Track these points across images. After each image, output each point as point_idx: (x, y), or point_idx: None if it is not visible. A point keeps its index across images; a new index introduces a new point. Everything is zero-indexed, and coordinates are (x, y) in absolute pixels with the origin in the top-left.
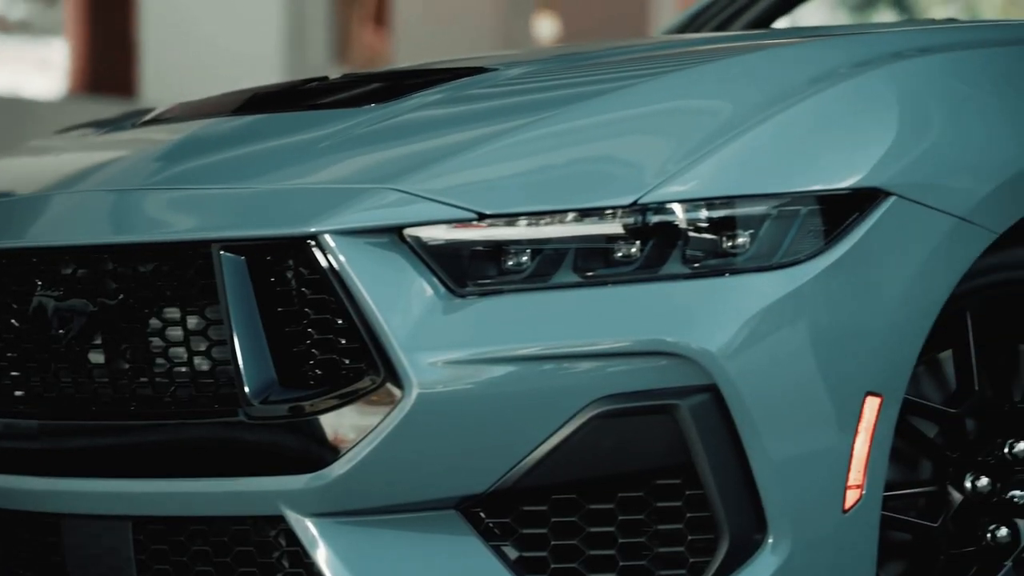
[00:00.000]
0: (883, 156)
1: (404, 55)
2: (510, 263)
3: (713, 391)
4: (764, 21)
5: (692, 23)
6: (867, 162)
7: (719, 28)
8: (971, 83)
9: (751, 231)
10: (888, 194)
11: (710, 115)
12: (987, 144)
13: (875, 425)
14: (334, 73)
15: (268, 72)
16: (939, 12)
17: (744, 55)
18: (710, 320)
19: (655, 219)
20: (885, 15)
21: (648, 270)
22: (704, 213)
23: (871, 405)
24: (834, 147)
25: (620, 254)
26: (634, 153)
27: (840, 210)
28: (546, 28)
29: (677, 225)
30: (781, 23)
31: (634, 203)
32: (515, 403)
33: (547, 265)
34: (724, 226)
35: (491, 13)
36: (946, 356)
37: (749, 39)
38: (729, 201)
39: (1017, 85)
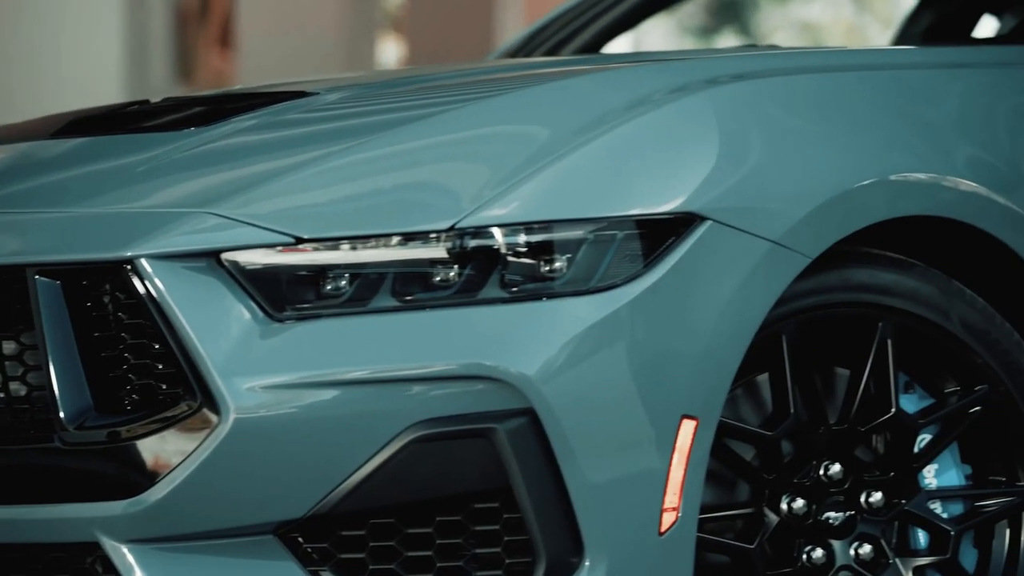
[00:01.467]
0: (698, 181)
1: (249, 76)
2: (328, 287)
3: (530, 415)
4: (595, 46)
5: (524, 47)
6: (683, 187)
7: (550, 52)
8: (787, 109)
9: (568, 255)
10: (704, 218)
11: (528, 140)
12: (802, 169)
13: (691, 448)
14: (176, 94)
15: (108, 94)
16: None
17: (561, 80)
18: (528, 344)
19: (473, 243)
20: (729, 40)
21: (466, 294)
22: (522, 237)
23: (687, 428)
24: (650, 172)
25: (438, 278)
26: (452, 178)
27: (656, 234)
28: (392, 50)
29: (495, 249)
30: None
31: (452, 227)
32: (333, 428)
33: (365, 289)
34: (541, 250)
35: (336, 35)
36: (764, 379)
37: (572, 64)
38: (546, 225)
39: (833, 111)
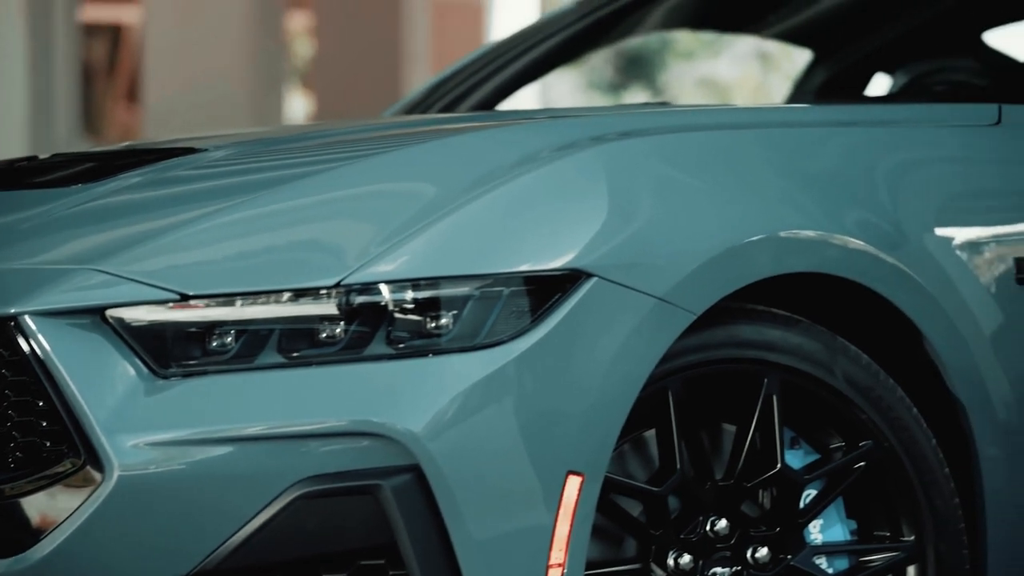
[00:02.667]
0: (585, 238)
1: (156, 131)
2: (214, 344)
3: (416, 471)
4: (492, 101)
5: (422, 103)
6: (569, 244)
7: (448, 108)
8: (675, 166)
9: (455, 312)
10: (590, 275)
11: (415, 197)
12: (689, 226)
13: (576, 503)
14: (72, 150)
15: (13, 149)
16: (691, 96)
17: (449, 138)
18: (414, 401)
19: (359, 300)
20: (636, 96)
21: (352, 351)
22: (408, 294)
23: (572, 484)
24: (537, 229)
25: (325, 335)
26: (338, 235)
27: (542, 291)
28: (300, 105)
29: (381, 305)
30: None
31: (338, 284)
32: (218, 484)
33: (251, 346)
34: (428, 307)
35: (244, 90)
36: (651, 434)
37: (462, 121)
38: (433, 282)
39: (721, 168)
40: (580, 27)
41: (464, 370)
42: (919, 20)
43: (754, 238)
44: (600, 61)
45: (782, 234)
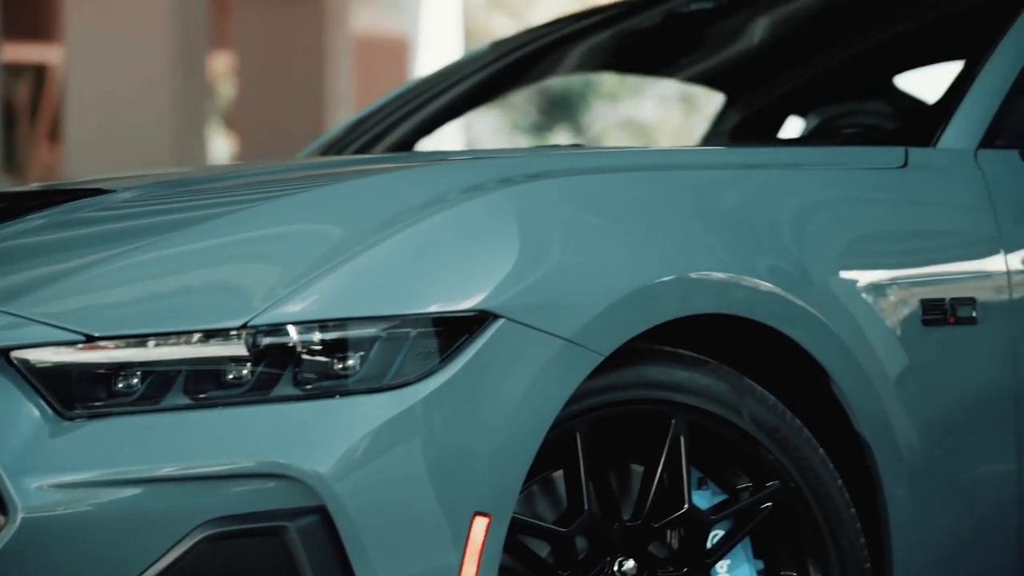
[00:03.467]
0: (493, 279)
1: (78, 171)
2: (120, 385)
3: (322, 512)
4: (409, 142)
5: (338, 143)
6: (477, 285)
7: (364, 148)
8: (584, 207)
9: (362, 353)
10: (497, 316)
11: (322, 238)
12: (597, 267)
13: (483, 544)
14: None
15: None
16: (614, 138)
17: (357, 179)
18: (321, 442)
19: (266, 341)
20: (560, 137)
21: (259, 392)
22: (315, 335)
23: (479, 525)
24: (445, 270)
25: (232, 376)
26: (245, 276)
27: (450, 332)
28: (224, 145)
29: (288, 347)
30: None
31: (244, 325)
32: (124, 526)
33: (157, 387)
34: (335, 348)
35: (166, 130)
36: (560, 475)
37: (374, 163)
38: (340, 323)
39: (630, 210)
40: (497, 68)
41: (371, 411)
42: (830, 63)
43: (662, 280)
44: (524, 102)
45: (690, 276)
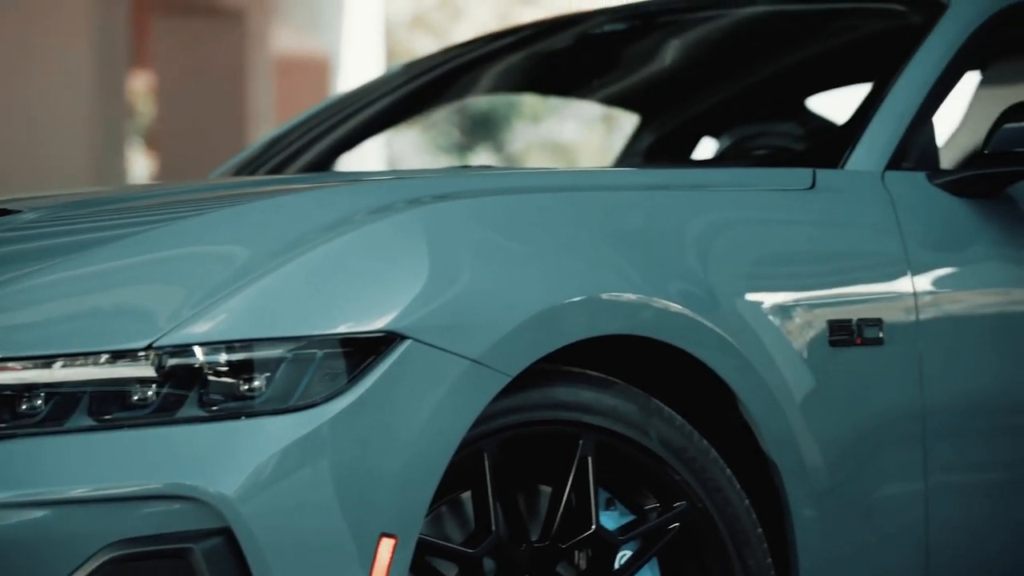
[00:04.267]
0: (399, 300)
1: None
2: (24, 407)
3: (227, 534)
4: (325, 161)
5: (255, 161)
6: (384, 306)
7: (279, 168)
8: (491, 228)
9: (267, 374)
10: (404, 337)
11: (227, 259)
12: (504, 288)
13: (390, 566)
14: None
15: None
16: (536, 159)
17: (263, 200)
18: (226, 463)
19: (171, 362)
20: (482, 158)
21: (164, 413)
22: (221, 356)
23: (386, 546)
24: (351, 291)
25: (136, 397)
26: (150, 297)
27: (356, 353)
28: (144, 165)
29: (194, 368)
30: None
31: (149, 346)
32: (29, 549)
33: (61, 409)
34: (241, 369)
35: (86, 150)
36: (468, 496)
37: (282, 183)
38: (246, 344)
39: (537, 231)
40: (410, 88)
41: (277, 432)
42: (742, 85)
43: (568, 300)
44: (446, 122)
45: (597, 297)
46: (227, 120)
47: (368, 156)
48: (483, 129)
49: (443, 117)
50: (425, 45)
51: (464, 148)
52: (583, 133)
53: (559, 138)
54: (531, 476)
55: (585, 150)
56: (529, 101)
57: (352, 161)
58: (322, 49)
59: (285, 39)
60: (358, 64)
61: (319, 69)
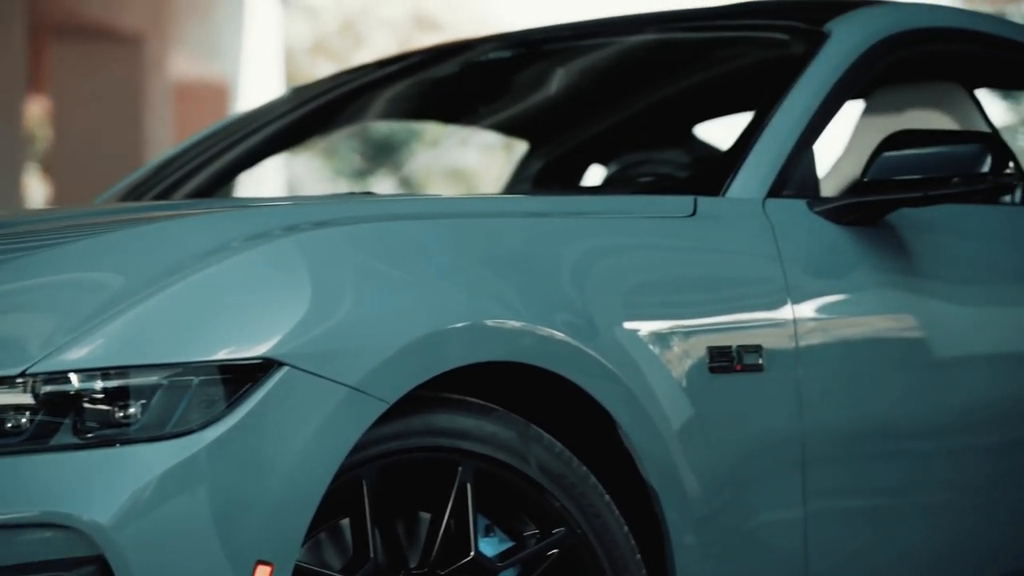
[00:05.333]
0: (277, 327)
1: None
2: None
3: (101, 562)
4: (211, 187)
5: (140, 187)
6: (261, 333)
7: (165, 193)
8: (371, 255)
9: (143, 401)
10: (281, 364)
11: (103, 286)
12: (382, 315)
13: None
14: None
15: None
16: (437, 185)
17: (140, 226)
18: (101, 491)
19: (45, 389)
20: (382, 184)
21: (38, 440)
22: (96, 383)
23: (262, 573)
24: (228, 318)
25: (10, 424)
26: (24, 324)
27: (233, 380)
28: (39, 190)
29: (68, 395)
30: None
31: (23, 373)
32: None
33: None
34: (116, 396)
35: None
36: (348, 523)
37: (164, 209)
38: (121, 371)
39: (418, 258)
40: (298, 115)
41: (152, 459)
42: (629, 113)
43: (447, 327)
44: (346, 149)
45: (476, 323)
46: (124, 145)
47: (267, 182)
48: (384, 155)
49: (344, 143)
50: (325, 71)
51: (365, 174)
52: (484, 159)
53: (460, 164)
54: (411, 503)
55: (486, 176)
56: (430, 127)
57: (249, 187)
58: (221, 74)
59: (183, 64)
60: (257, 89)
61: (218, 94)
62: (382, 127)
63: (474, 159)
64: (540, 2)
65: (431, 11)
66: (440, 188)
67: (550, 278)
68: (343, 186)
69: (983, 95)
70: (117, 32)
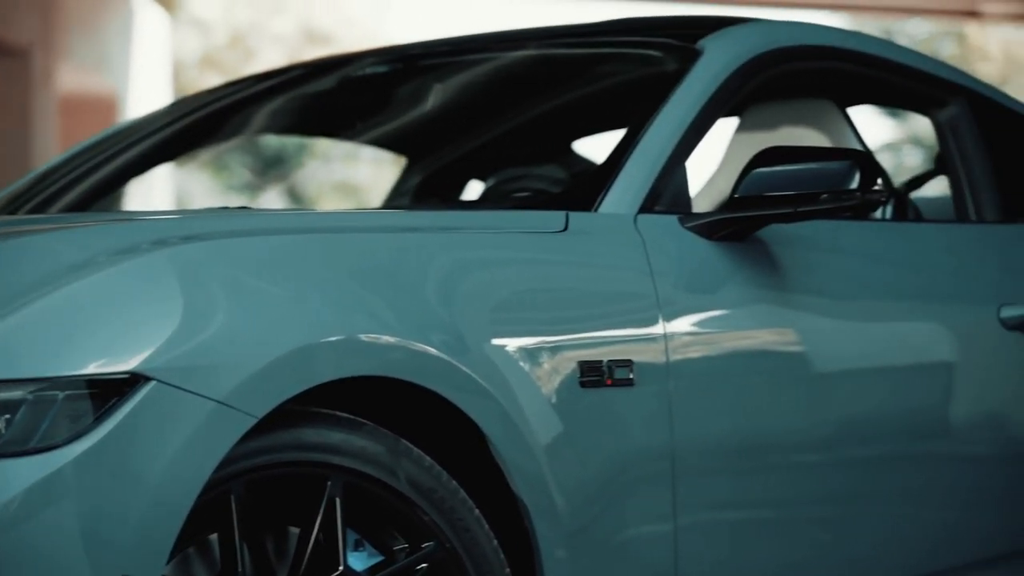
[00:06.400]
0: (143, 341)
1: None
2: None
3: None
4: (87, 200)
5: (18, 198)
6: (127, 347)
7: (42, 205)
8: (240, 269)
9: (7, 415)
10: (148, 379)
11: None
12: (251, 329)
13: None
14: None
15: None
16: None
17: (6, 240)
18: None
19: None
20: (273, 199)
21: None
22: None
23: None
24: (95, 332)
25: None
26: None
27: (100, 395)
28: None
29: None
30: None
31: None
32: None
33: None
34: None
35: None
36: (216, 538)
37: (32, 223)
38: None
39: (288, 272)
40: (176, 128)
41: (16, 474)
42: (506, 128)
43: (317, 342)
44: (236, 164)
45: (345, 338)
46: (11, 159)
47: (155, 196)
48: (274, 169)
49: (233, 157)
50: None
51: (255, 188)
52: (375, 173)
53: (351, 178)
54: (281, 518)
55: (376, 190)
56: (321, 141)
57: (136, 201)
58: (110, 87)
59: (72, 77)
60: (146, 103)
61: (107, 107)
62: (272, 141)
63: (365, 173)
64: (435, 19)
65: (323, 26)
66: (330, 202)
67: (420, 293)
68: (234, 200)
69: (873, 113)
70: (4, 45)
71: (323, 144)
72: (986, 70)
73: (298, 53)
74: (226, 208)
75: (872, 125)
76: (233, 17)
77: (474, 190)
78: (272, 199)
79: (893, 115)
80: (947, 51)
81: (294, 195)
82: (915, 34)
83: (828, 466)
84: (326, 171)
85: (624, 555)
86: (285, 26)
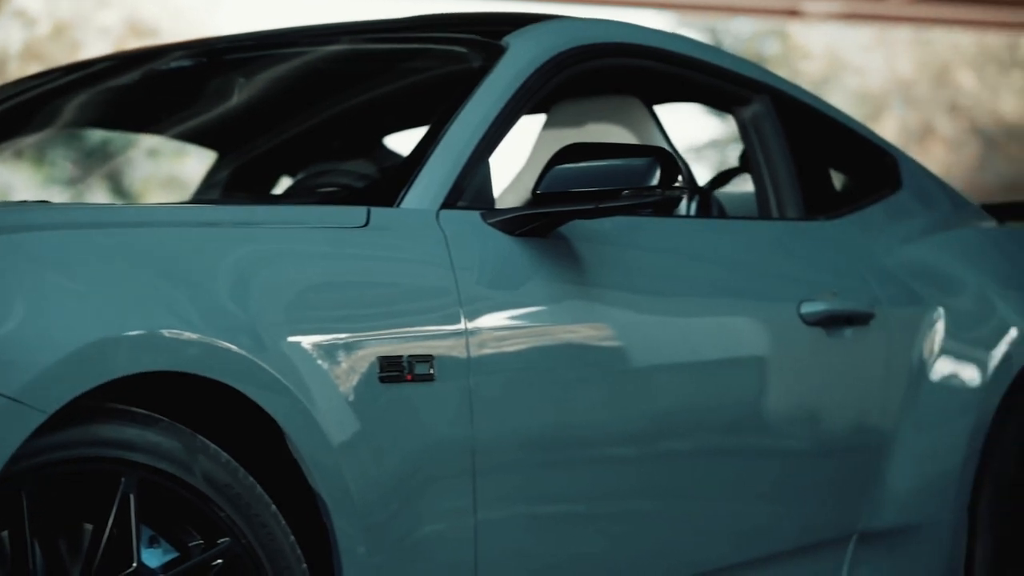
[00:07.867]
0: None
1: None
2: None
3: None
4: None
5: None
6: None
7: None
8: (35, 263)
9: None
10: None
11: None
12: (44, 324)
13: None
14: None
15: None
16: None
17: None
18: None
19: None
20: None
21: None
22: None
23: None
24: None
25: None
26: None
27: None
28: None
29: None
30: None
31: None
32: None
33: None
34: None
35: None
36: (7, 535)
37: None
38: None
39: (86, 266)
40: None
41: None
42: (313, 123)
43: (111, 337)
44: (58, 157)
45: (141, 334)
46: None
47: None
48: (99, 163)
49: (55, 150)
50: None
51: (77, 182)
52: (203, 168)
53: (178, 173)
54: (76, 514)
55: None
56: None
57: None
58: None
59: None
60: None
61: None
62: (98, 134)
63: (193, 168)
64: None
65: (148, 19)
66: (157, 198)
67: (216, 287)
68: (55, 195)
69: (699, 111)
70: None
71: (149, 138)
72: (809, 69)
73: (124, 45)
74: (25, 202)
75: (697, 122)
76: (57, 8)
77: (285, 185)
78: (96, 194)
79: (718, 114)
80: (770, 50)
81: (119, 190)
82: (739, 33)
83: (631, 460)
84: (153, 166)
85: (424, 550)
86: (111, 18)
